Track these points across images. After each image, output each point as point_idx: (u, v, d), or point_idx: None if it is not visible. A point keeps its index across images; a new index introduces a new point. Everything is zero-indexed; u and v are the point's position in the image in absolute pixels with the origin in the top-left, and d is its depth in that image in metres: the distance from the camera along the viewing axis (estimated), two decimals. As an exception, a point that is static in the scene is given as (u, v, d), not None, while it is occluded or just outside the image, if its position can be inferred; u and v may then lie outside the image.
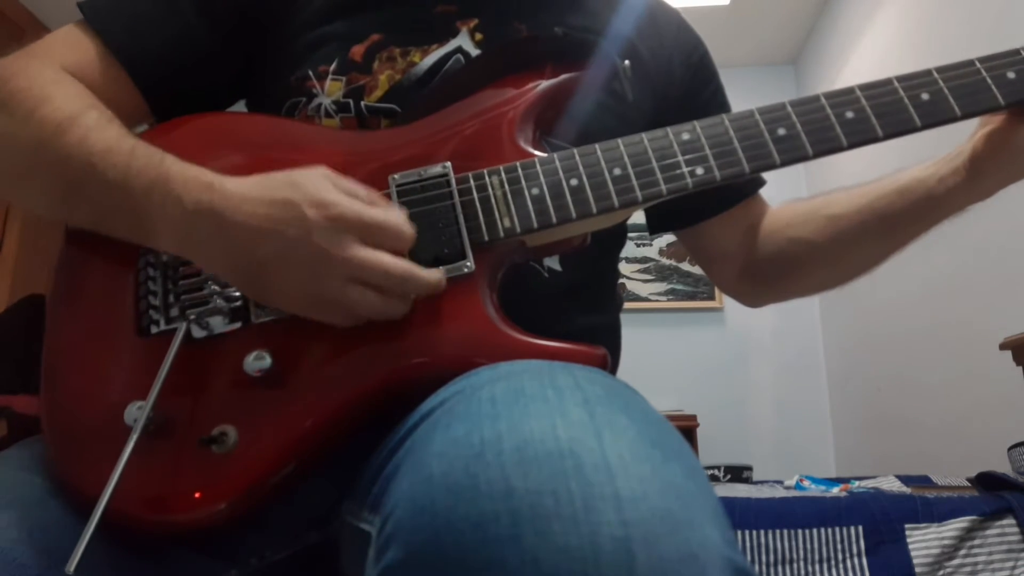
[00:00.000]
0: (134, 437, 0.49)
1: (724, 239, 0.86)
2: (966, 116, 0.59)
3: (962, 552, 1.21)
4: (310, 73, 0.69)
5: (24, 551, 0.49)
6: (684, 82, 0.79)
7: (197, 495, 0.51)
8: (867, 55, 2.88)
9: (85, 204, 0.58)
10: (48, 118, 0.58)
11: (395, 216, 0.53)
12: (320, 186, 0.52)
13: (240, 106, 0.79)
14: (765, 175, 0.85)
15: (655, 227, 0.87)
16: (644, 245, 3.45)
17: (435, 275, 0.53)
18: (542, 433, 0.35)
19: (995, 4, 2.00)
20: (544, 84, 0.63)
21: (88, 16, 0.68)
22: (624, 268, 3.42)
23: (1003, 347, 1.63)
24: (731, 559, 0.34)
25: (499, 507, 0.33)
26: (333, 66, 0.69)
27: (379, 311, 0.53)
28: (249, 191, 0.53)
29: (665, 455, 0.37)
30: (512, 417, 0.37)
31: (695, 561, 0.32)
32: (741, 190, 0.84)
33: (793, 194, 0.90)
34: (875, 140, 0.58)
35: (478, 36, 0.71)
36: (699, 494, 0.36)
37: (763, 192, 0.88)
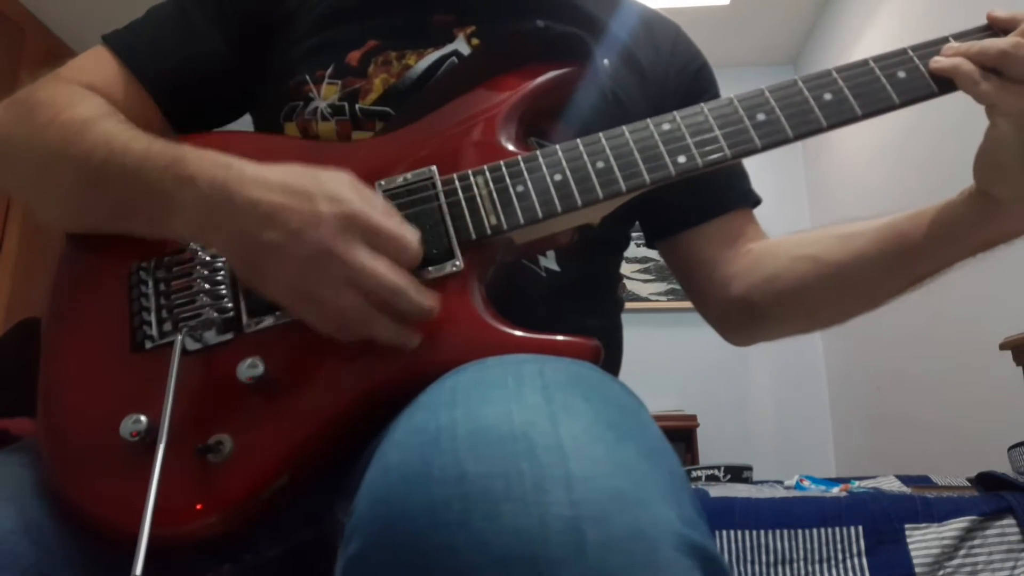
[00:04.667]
0: (160, 449, 0.49)
1: (711, 250, 0.80)
2: (943, 92, 0.59)
3: (962, 552, 1.21)
4: (307, 78, 0.70)
5: (19, 543, 0.49)
6: (679, 92, 0.79)
7: (197, 507, 0.50)
8: (867, 55, 2.88)
9: (103, 197, 0.59)
10: (72, 120, 0.61)
11: (406, 230, 0.52)
12: (340, 185, 0.52)
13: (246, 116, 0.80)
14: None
15: (650, 239, 0.85)
16: (644, 245, 3.44)
17: (428, 300, 0.52)
18: (496, 418, 0.36)
19: (995, 4, 1.99)
20: (528, 84, 0.64)
21: (111, 44, 0.71)
22: (624, 268, 3.40)
23: (1003, 347, 1.63)
24: (687, 537, 0.33)
25: (451, 492, 0.33)
26: (329, 71, 0.69)
27: (365, 321, 0.51)
28: (268, 175, 0.53)
29: (620, 436, 0.37)
30: (469, 404, 0.37)
31: (645, 539, 0.32)
32: (730, 200, 0.81)
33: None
34: (854, 120, 0.59)
35: (475, 41, 0.72)
36: (654, 473, 0.36)
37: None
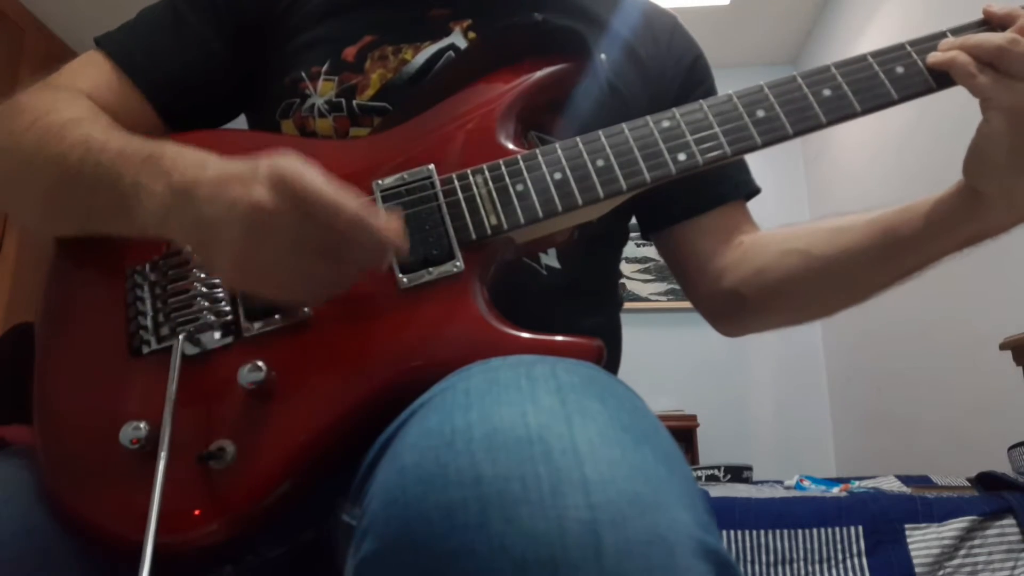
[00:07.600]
0: (162, 460, 0.48)
1: (704, 243, 0.79)
2: (941, 87, 0.59)
3: (962, 552, 1.21)
4: (303, 74, 0.69)
5: (19, 547, 0.49)
6: (676, 84, 0.79)
7: (200, 515, 0.50)
8: (867, 55, 2.88)
9: (79, 197, 0.57)
10: (52, 123, 0.60)
11: (343, 200, 0.46)
12: (288, 159, 0.48)
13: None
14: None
15: (644, 231, 0.84)
16: (644, 245, 3.45)
17: (387, 230, 0.47)
18: (512, 420, 0.36)
19: (995, 5, 1.99)
20: (526, 80, 0.63)
21: (105, 47, 0.70)
22: (624, 268, 3.41)
23: (1003, 347, 1.63)
24: (703, 541, 0.34)
25: (468, 494, 0.33)
26: (325, 67, 0.69)
27: (316, 285, 0.49)
28: (232, 163, 0.50)
29: (636, 439, 0.37)
30: (484, 406, 0.37)
31: (663, 543, 0.32)
32: (725, 192, 0.80)
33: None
34: (854, 116, 0.59)
35: (471, 35, 0.71)
36: (670, 477, 0.36)
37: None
